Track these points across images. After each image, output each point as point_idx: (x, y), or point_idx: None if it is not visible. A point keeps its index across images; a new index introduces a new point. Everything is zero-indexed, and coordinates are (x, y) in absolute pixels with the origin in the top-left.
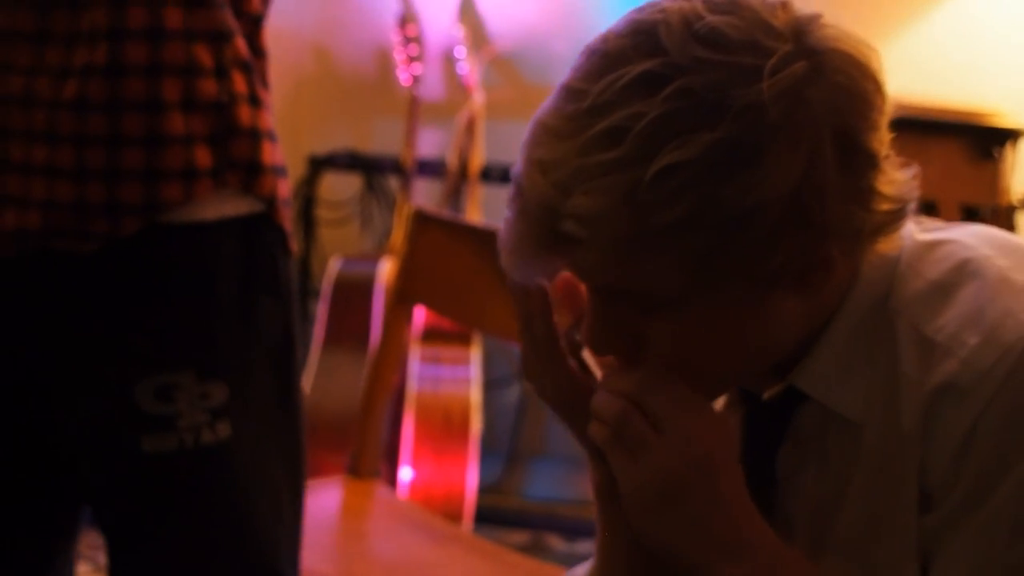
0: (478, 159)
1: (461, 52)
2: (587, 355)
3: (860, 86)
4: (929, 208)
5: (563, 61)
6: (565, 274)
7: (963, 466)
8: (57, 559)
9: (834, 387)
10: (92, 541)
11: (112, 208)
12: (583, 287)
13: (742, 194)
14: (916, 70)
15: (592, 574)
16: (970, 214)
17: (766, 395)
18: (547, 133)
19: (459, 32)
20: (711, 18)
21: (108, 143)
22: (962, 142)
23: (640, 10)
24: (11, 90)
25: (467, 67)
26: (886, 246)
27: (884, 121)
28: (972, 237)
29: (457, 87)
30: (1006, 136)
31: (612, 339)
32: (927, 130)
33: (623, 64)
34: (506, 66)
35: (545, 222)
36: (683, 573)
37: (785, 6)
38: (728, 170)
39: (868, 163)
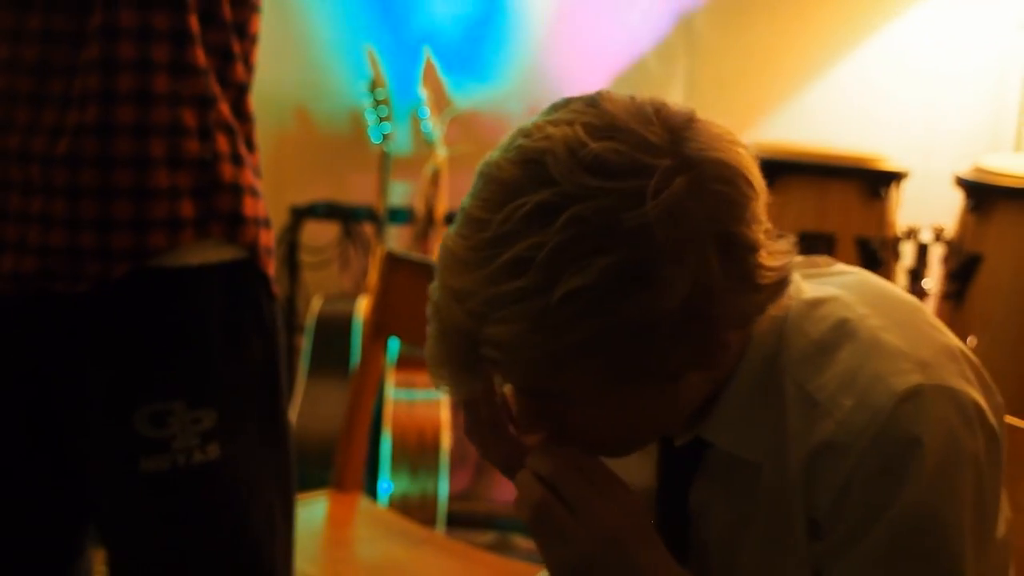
0: (442, 206)
1: (425, 112)
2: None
3: (735, 190)
4: (829, 240)
5: (516, 118)
6: None
7: (842, 510)
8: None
9: (735, 436)
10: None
11: (103, 253)
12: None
13: (639, 311)
14: (817, 122)
15: None
16: (863, 245)
17: (677, 443)
18: (457, 262)
19: (423, 95)
20: (593, 145)
21: (99, 195)
22: (856, 184)
23: (527, 134)
24: (10, 146)
25: (431, 125)
26: (775, 309)
27: (760, 209)
28: (851, 292)
29: (423, 143)
30: (891, 178)
31: (537, 424)
32: (827, 174)
33: (519, 194)
34: (466, 124)
35: (464, 346)
36: None
37: (659, 111)
38: (624, 291)
39: (749, 251)
